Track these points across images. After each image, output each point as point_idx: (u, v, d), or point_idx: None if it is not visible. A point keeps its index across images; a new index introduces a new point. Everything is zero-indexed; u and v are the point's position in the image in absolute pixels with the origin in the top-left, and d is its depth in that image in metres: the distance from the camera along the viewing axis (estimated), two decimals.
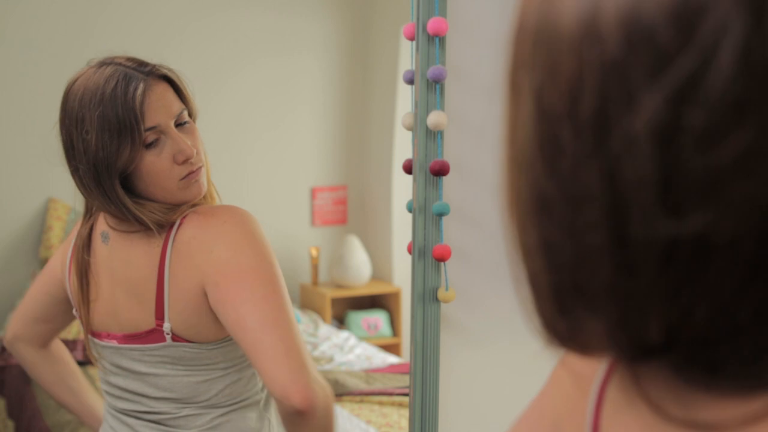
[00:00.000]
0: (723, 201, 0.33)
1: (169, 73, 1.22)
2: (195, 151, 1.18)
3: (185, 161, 1.16)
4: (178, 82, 1.23)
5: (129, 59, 1.24)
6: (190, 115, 1.24)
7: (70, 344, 2.80)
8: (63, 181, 3.69)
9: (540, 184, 0.39)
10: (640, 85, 0.34)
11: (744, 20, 0.32)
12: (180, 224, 1.15)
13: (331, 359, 3.12)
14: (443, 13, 1.04)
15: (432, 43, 1.04)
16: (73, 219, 3.28)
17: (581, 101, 0.36)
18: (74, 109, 1.18)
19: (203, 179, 1.20)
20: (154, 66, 1.22)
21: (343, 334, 3.38)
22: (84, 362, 2.78)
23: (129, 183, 1.14)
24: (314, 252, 3.79)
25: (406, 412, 2.51)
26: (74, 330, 2.82)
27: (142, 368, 1.19)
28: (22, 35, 3.25)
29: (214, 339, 1.16)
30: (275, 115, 3.75)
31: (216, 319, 1.13)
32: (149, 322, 1.16)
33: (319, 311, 3.69)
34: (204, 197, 1.24)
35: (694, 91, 0.33)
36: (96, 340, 1.23)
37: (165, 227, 1.15)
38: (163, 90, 1.18)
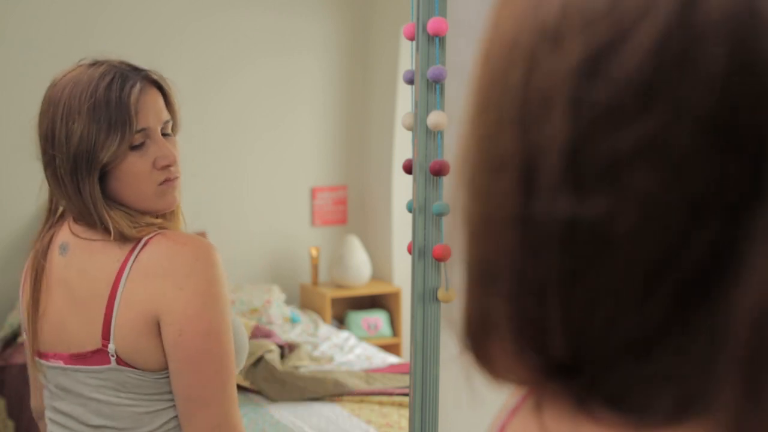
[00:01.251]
0: (622, 188, 0.32)
1: (161, 81, 1.21)
2: (176, 159, 1.17)
3: (166, 167, 1.15)
4: (169, 92, 1.22)
5: (122, 62, 1.22)
6: (173, 127, 1.22)
7: None
8: None
9: (470, 149, 0.38)
10: (564, 46, 0.33)
11: (670, 6, 0.31)
12: (146, 243, 1.09)
13: (331, 359, 3.12)
14: (443, 13, 1.04)
15: (432, 43, 1.04)
16: None
17: (514, 64, 0.35)
18: (61, 99, 1.13)
19: (178, 191, 1.19)
20: (148, 71, 1.21)
21: (343, 334, 3.38)
22: None
23: (104, 183, 1.12)
24: (314, 252, 3.79)
25: (406, 412, 2.51)
26: None
27: (85, 391, 1.12)
28: (22, 35, 3.25)
29: (159, 368, 1.10)
30: (275, 115, 3.75)
31: (163, 349, 1.09)
32: (95, 342, 1.10)
33: (319, 311, 3.69)
34: (173, 213, 1.22)
35: (604, 65, 0.32)
36: (42, 362, 1.17)
37: (128, 242, 1.10)
38: (155, 95, 1.18)
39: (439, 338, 1.11)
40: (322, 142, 3.93)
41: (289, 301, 3.85)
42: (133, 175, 1.13)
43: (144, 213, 1.16)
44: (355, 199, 4.02)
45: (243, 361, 1.19)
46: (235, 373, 1.10)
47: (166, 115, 1.18)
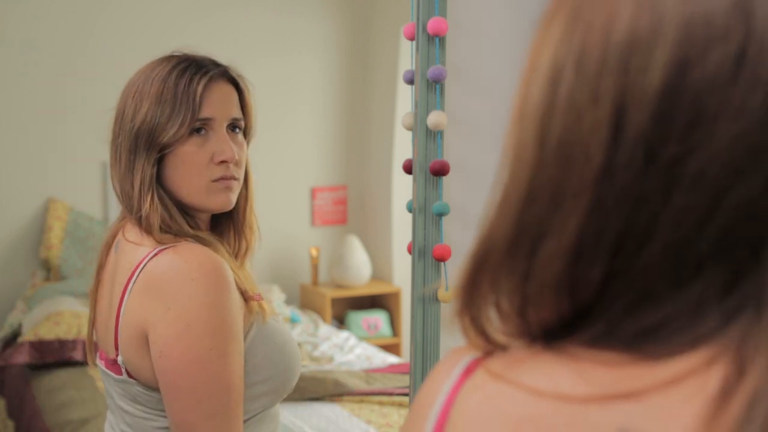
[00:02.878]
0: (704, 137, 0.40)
1: (240, 81, 1.20)
2: (237, 159, 1.13)
3: (223, 162, 1.11)
4: (246, 93, 1.20)
5: (206, 57, 1.21)
6: (246, 131, 1.20)
7: (70, 344, 2.80)
8: (63, 181, 3.68)
9: (561, 81, 0.44)
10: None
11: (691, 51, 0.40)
12: (157, 253, 1.04)
13: (331, 359, 3.12)
14: (443, 13, 1.04)
15: (432, 43, 1.04)
16: (73, 219, 3.29)
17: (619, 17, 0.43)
18: (137, 82, 1.14)
19: (234, 194, 1.15)
20: (228, 67, 1.20)
21: (343, 334, 3.38)
22: (84, 362, 2.78)
23: (160, 170, 1.10)
24: (314, 252, 3.79)
25: (406, 412, 2.51)
26: (74, 330, 2.82)
27: (115, 397, 1.11)
28: (22, 35, 3.25)
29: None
30: (275, 115, 3.75)
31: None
32: (113, 350, 1.08)
33: (319, 311, 3.69)
34: (242, 229, 1.19)
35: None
36: (97, 359, 1.15)
37: (143, 245, 1.06)
38: (229, 91, 1.16)
39: (439, 338, 1.11)
40: (322, 142, 3.93)
41: (289, 301, 3.85)
42: (189, 164, 1.10)
43: (196, 210, 1.13)
44: (355, 199, 4.02)
45: (286, 387, 1.14)
46: (233, 404, 1.01)
47: (236, 112, 1.16)
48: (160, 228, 1.08)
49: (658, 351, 0.41)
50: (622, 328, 0.42)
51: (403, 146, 3.74)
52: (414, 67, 1.07)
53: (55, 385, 2.64)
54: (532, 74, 0.45)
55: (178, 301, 1.00)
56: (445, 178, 1.07)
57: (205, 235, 1.12)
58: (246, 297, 1.09)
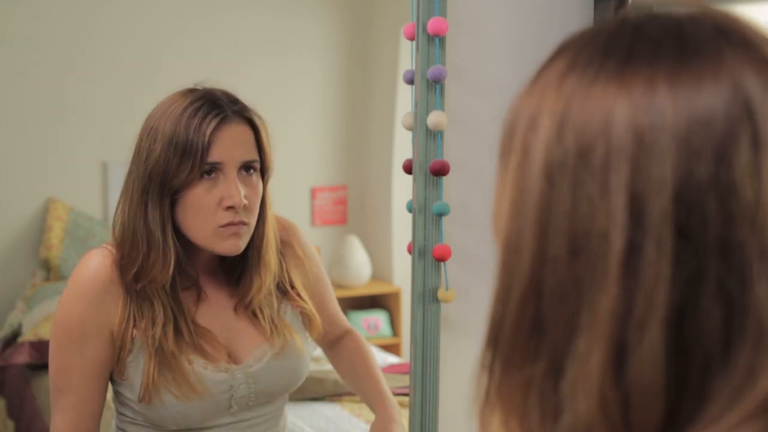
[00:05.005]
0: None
1: (257, 120, 1.20)
2: (245, 203, 1.13)
3: (230, 208, 1.11)
4: (262, 132, 1.20)
5: (225, 93, 1.20)
6: (263, 170, 1.20)
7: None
8: (63, 181, 3.67)
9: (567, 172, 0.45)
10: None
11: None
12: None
13: None
14: (443, 13, 1.04)
15: (432, 43, 1.04)
16: (73, 219, 3.29)
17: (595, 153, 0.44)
18: (154, 117, 1.15)
19: (244, 239, 1.15)
20: (244, 106, 1.19)
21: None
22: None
23: (173, 211, 1.12)
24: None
25: (406, 412, 2.50)
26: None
27: None
28: (22, 35, 3.25)
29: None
30: (275, 115, 3.72)
31: None
32: None
33: None
34: (256, 268, 1.20)
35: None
36: None
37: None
38: (242, 132, 1.16)
39: (439, 338, 1.10)
40: (322, 142, 3.93)
41: None
42: (197, 207, 1.11)
43: (205, 250, 1.15)
44: (355, 199, 4.02)
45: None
46: (56, 393, 1.15)
47: (248, 154, 1.16)
48: (141, 268, 1.11)
49: None
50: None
51: (403, 146, 3.74)
52: (414, 67, 1.07)
53: None
54: (522, 172, 0.45)
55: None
56: (445, 178, 1.07)
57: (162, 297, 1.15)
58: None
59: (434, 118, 1.04)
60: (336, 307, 1.41)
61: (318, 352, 3.19)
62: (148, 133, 1.13)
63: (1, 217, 3.28)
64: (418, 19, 1.04)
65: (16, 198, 3.29)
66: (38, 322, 2.83)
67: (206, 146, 1.10)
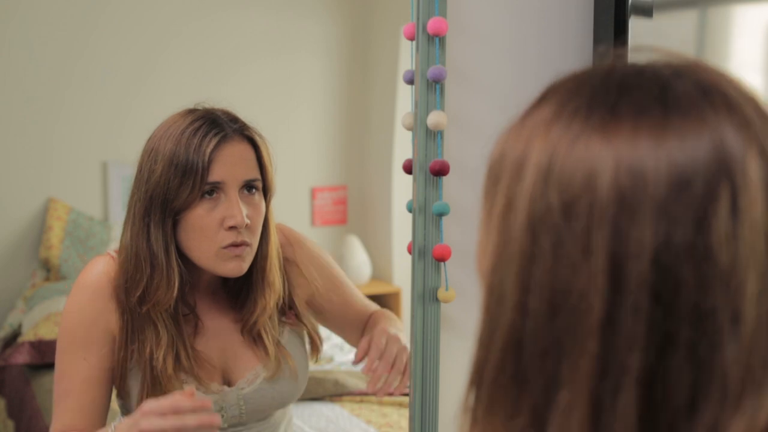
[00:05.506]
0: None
1: (258, 139, 1.18)
2: (247, 223, 1.11)
3: (232, 228, 1.10)
4: (263, 150, 1.18)
5: (225, 112, 1.18)
6: (265, 189, 1.19)
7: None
8: (63, 181, 3.67)
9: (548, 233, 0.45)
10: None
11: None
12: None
13: (331, 359, 3.12)
14: (443, 13, 1.04)
15: (432, 43, 1.04)
16: (73, 219, 3.28)
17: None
18: (154, 138, 1.14)
19: (247, 260, 1.14)
20: (244, 125, 1.17)
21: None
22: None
23: (175, 233, 1.11)
24: None
25: (406, 412, 2.51)
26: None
27: None
28: (22, 36, 3.25)
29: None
30: (275, 115, 3.75)
31: None
32: None
33: None
34: (260, 288, 1.18)
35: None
36: None
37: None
38: (242, 151, 1.14)
39: (439, 338, 1.10)
40: (322, 142, 3.93)
41: None
42: (199, 228, 1.10)
43: (207, 271, 1.14)
44: (355, 199, 4.02)
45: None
46: (58, 394, 1.14)
47: (250, 173, 1.14)
48: (146, 289, 1.10)
49: None
50: None
51: (403, 146, 3.74)
52: (414, 67, 1.07)
53: None
54: (506, 223, 0.46)
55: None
56: (445, 178, 1.07)
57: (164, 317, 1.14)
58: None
59: (434, 118, 1.04)
60: (359, 301, 1.41)
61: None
62: (148, 154, 1.12)
63: (1, 217, 3.28)
64: (418, 19, 1.04)
65: (16, 198, 3.29)
66: (38, 322, 2.83)
67: (206, 166, 1.09)
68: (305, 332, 1.29)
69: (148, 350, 1.11)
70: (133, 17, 3.43)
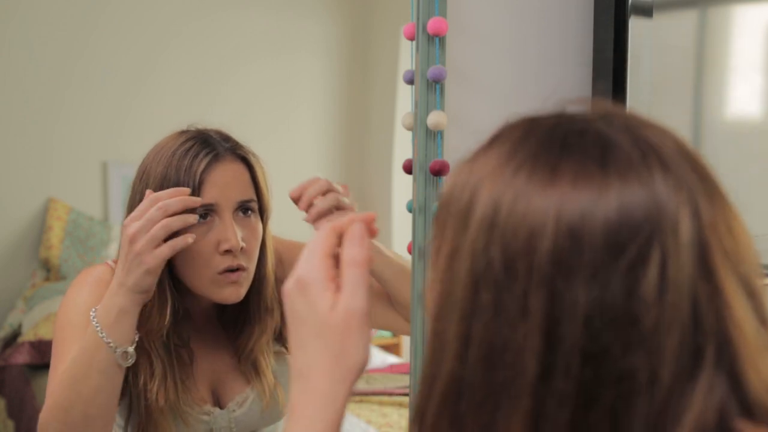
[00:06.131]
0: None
1: (251, 158, 1.14)
2: (243, 246, 1.07)
3: (227, 252, 1.05)
4: (258, 171, 1.14)
5: (218, 131, 1.14)
6: (261, 210, 1.14)
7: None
8: (63, 181, 3.67)
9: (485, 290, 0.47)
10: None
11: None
12: None
13: None
14: (443, 13, 1.04)
15: (432, 43, 1.04)
16: (73, 219, 3.29)
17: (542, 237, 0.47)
18: (146, 161, 1.09)
19: (245, 285, 1.09)
20: (237, 144, 1.13)
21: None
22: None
23: (170, 259, 1.03)
24: None
25: (406, 412, 2.51)
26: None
27: None
28: (22, 35, 3.25)
29: None
30: (275, 116, 3.75)
31: None
32: None
33: None
34: (256, 314, 1.15)
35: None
36: None
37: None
38: (235, 171, 1.10)
39: None
40: (322, 142, 3.93)
41: None
42: (193, 254, 1.05)
43: (205, 298, 1.10)
44: (355, 199, 4.02)
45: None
46: (54, 367, 1.07)
47: (244, 194, 1.10)
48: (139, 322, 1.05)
49: None
50: None
51: (403, 146, 3.74)
52: (414, 67, 1.07)
53: None
54: (450, 272, 0.48)
55: None
56: (445, 179, 1.07)
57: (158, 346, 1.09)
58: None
59: (434, 118, 1.04)
60: None
61: None
62: (140, 177, 1.08)
63: (1, 217, 3.28)
64: (418, 19, 1.05)
65: (16, 198, 3.29)
66: (38, 322, 2.83)
67: (197, 187, 1.04)
68: None
69: (141, 381, 1.07)
70: (133, 17, 3.43)
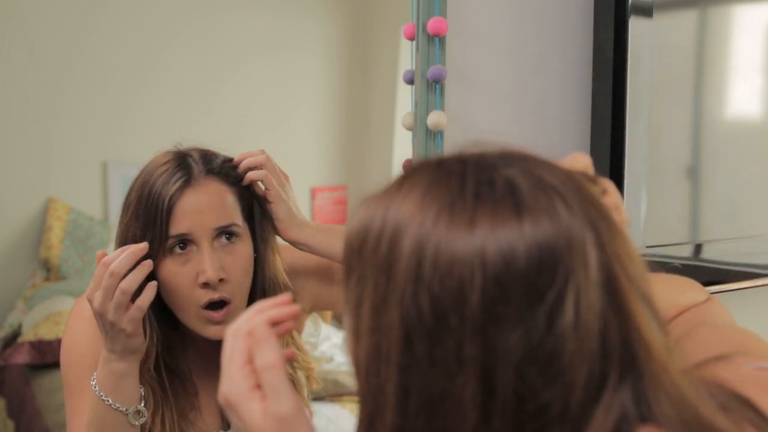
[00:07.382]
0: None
1: (234, 176, 1.03)
2: (222, 277, 0.98)
3: (206, 285, 0.98)
4: (248, 188, 1.04)
5: (201, 151, 1.05)
6: (255, 232, 1.05)
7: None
8: (63, 181, 3.67)
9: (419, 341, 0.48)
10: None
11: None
12: None
13: (331, 359, 3.12)
14: (443, 13, 1.04)
15: (432, 43, 1.04)
16: (73, 219, 3.28)
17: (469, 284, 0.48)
18: (131, 188, 1.02)
19: (230, 323, 1.05)
20: (219, 164, 1.03)
21: (344, 334, 3.38)
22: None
23: (158, 293, 0.98)
24: None
25: None
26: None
27: None
28: (22, 35, 3.24)
29: None
30: (275, 116, 3.75)
31: None
32: None
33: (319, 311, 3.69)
34: None
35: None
36: None
37: None
38: (212, 195, 0.99)
39: None
40: (322, 142, 3.93)
41: None
42: (173, 287, 0.99)
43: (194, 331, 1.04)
44: (355, 199, 4.02)
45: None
46: (71, 415, 1.03)
47: (225, 218, 1.00)
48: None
49: None
50: None
51: (403, 146, 3.74)
52: (414, 67, 1.07)
53: (55, 385, 2.64)
54: (379, 322, 0.48)
55: None
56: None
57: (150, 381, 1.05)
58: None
59: (434, 118, 1.04)
60: None
61: (318, 352, 3.19)
62: (124, 201, 1.03)
63: (1, 217, 3.28)
64: (418, 19, 1.05)
65: (16, 198, 3.29)
66: (38, 322, 2.82)
67: (166, 217, 0.96)
68: (300, 374, 1.21)
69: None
70: (133, 17, 3.43)
